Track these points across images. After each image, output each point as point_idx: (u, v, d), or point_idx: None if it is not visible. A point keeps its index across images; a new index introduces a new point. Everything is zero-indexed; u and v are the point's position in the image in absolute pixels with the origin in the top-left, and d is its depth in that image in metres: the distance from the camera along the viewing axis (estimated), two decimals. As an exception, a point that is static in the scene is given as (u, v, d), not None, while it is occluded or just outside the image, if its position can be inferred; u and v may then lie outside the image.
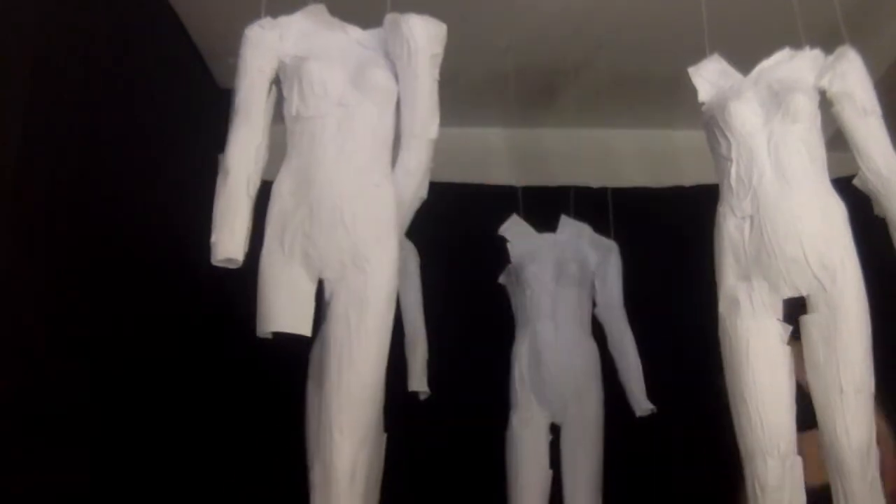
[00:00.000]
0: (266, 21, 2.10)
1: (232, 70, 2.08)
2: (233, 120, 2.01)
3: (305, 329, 1.92)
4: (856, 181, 2.19)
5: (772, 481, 1.98)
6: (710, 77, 2.35)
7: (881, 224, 2.18)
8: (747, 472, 2.04)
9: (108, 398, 2.31)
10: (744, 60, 2.36)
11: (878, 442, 2.00)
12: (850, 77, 2.18)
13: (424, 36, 2.07)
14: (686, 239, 2.68)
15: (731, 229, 2.16)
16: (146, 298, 2.57)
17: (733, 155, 2.18)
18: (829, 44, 2.29)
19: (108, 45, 2.45)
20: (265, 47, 2.06)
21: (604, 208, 3.42)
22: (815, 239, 2.07)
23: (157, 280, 2.65)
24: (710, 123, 2.28)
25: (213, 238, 1.90)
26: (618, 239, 3.22)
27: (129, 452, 2.40)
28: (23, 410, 1.93)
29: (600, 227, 3.23)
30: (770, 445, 1.99)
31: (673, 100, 3.48)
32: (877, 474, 2.01)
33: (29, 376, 1.97)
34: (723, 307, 2.15)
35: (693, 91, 2.37)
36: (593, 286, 3.11)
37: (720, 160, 2.25)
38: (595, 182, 3.64)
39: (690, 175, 3.43)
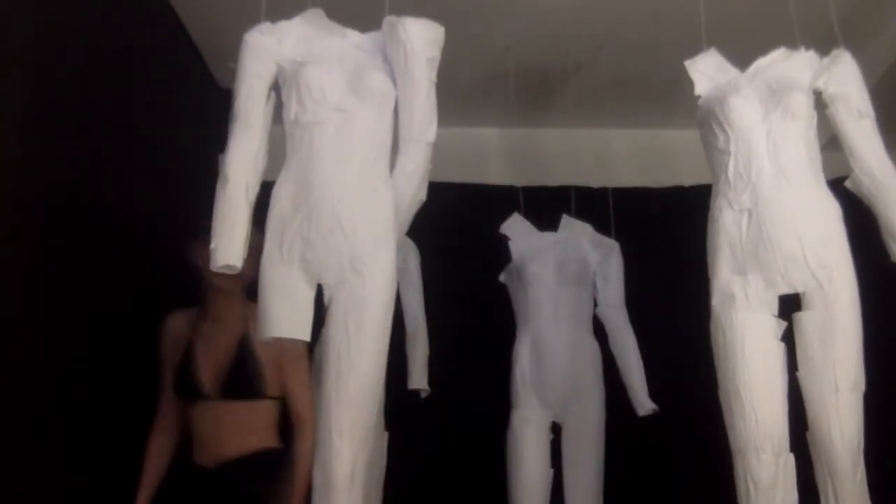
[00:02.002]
0: (265, 26, 2.10)
1: (232, 73, 2.09)
2: (232, 126, 2.01)
3: (304, 334, 1.92)
4: (847, 183, 2.20)
5: (765, 478, 1.98)
6: (706, 71, 2.37)
7: (872, 225, 2.19)
8: (738, 467, 2.03)
9: (109, 398, 2.31)
10: (741, 61, 2.37)
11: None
12: (847, 80, 2.20)
13: (421, 39, 2.07)
14: (686, 239, 2.68)
15: (728, 223, 2.16)
16: (146, 298, 2.57)
17: (731, 149, 2.18)
18: (824, 47, 2.31)
19: (109, 46, 2.45)
20: (264, 53, 2.06)
21: (604, 208, 3.43)
22: (813, 237, 2.08)
23: (158, 280, 2.65)
24: (706, 117, 2.29)
25: (213, 245, 1.90)
26: (618, 239, 3.23)
27: (130, 452, 2.40)
28: (23, 410, 1.93)
29: (600, 227, 3.24)
30: (764, 441, 1.99)
31: (672, 100, 3.49)
32: (864, 473, 2.03)
33: (29, 376, 1.96)
34: (716, 301, 2.15)
35: (692, 91, 2.38)
36: (594, 286, 3.12)
37: (717, 154, 2.25)
38: (595, 182, 3.64)
39: (690, 175, 3.43)
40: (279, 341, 1.96)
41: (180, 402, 2.27)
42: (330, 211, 1.92)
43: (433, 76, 2.10)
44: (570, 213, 3.26)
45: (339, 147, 1.97)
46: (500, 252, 3.15)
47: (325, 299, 1.93)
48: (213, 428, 2.19)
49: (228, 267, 1.90)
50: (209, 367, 2.21)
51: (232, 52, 2.11)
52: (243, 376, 2.16)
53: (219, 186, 1.96)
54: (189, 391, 2.21)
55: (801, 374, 2.06)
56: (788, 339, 2.10)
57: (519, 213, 3.25)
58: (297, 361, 2.23)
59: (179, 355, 2.25)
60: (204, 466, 2.20)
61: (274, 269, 1.92)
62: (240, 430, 2.16)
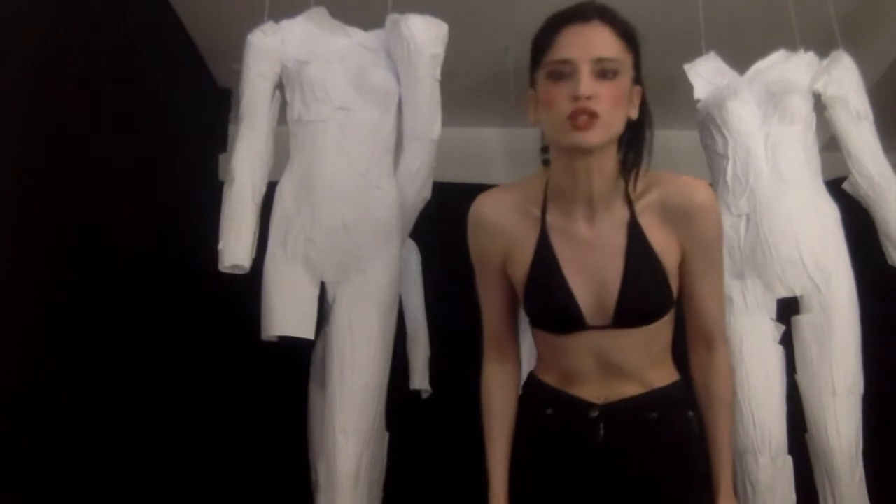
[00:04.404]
0: (268, 26, 2.11)
1: (233, 74, 2.09)
2: (238, 127, 2.03)
3: (308, 332, 1.93)
4: (846, 185, 2.21)
5: (763, 480, 1.99)
6: (706, 75, 2.37)
7: (871, 228, 2.20)
8: (737, 470, 2.03)
9: (109, 399, 2.31)
10: (739, 63, 2.38)
11: None
12: (845, 82, 2.21)
13: (425, 36, 2.08)
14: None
15: (727, 227, 2.17)
16: (147, 299, 2.57)
17: (730, 153, 2.20)
18: (823, 47, 2.31)
19: (109, 45, 2.44)
20: (268, 53, 2.07)
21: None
22: (811, 240, 2.09)
23: (158, 280, 2.65)
24: (705, 121, 2.30)
25: (221, 245, 1.91)
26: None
27: (130, 453, 2.40)
28: (23, 410, 1.93)
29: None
30: (762, 444, 2.01)
31: (670, 100, 3.46)
32: (862, 475, 2.03)
33: (29, 376, 1.96)
34: None
35: (689, 92, 2.38)
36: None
37: (715, 158, 2.26)
38: (595, 182, 3.63)
39: (688, 175, 3.42)
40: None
41: (536, 329, 1.49)
42: (333, 209, 1.93)
43: (437, 73, 2.11)
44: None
45: (343, 145, 1.98)
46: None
47: (329, 297, 1.94)
48: (600, 365, 1.40)
49: (236, 267, 1.91)
50: (589, 283, 1.38)
51: (233, 53, 2.11)
52: (644, 292, 1.36)
53: (225, 188, 1.98)
54: (561, 322, 1.41)
55: (800, 376, 2.08)
56: (787, 342, 2.11)
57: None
58: (713, 252, 1.41)
59: (526, 264, 1.42)
60: (578, 397, 1.43)
61: (277, 266, 1.93)
62: (640, 363, 1.40)
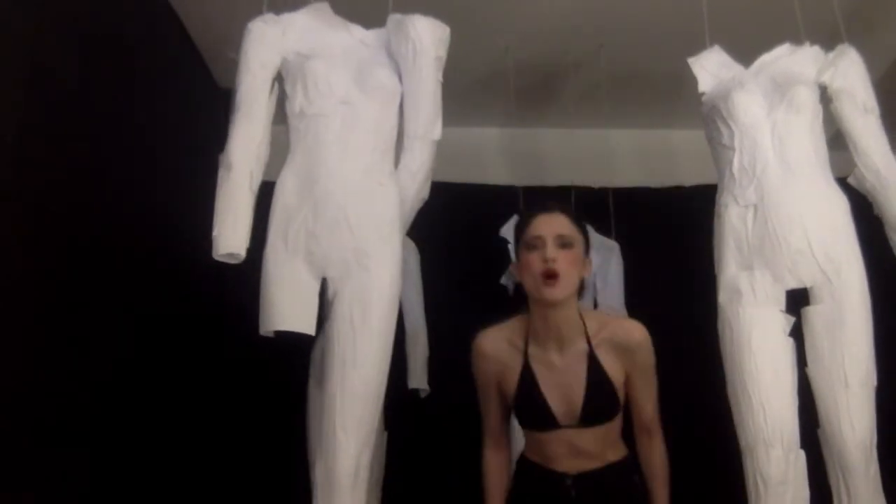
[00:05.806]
0: (269, 16, 2.09)
1: (232, 65, 2.07)
2: (234, 115, 2.00)
3: (309, 328, 1.91)
4: (851, 179, 2.20)
5: (775, 474, 1.95)
6: (710, 68, 2.36)
7: (879, 221, 2.19)
8: (748, 464, 2.00)
9: (109, 397, 2.31)
10: (743, 58, 2.37)
11: None
12: (852, 75, 2.19)
13: (430, 38, 2.08)
14: (686, 239, 2.68)
15: (734, 219, 2.15)
16: (146, 298, 2.57)
17: (736, 144, 2.18)
18: (827, 42, 2.31)
19: (108, 45, 2.44)
20: (268, 42, 2.05)
21: (604, 208, 3.43)
22: (821, 230, 2.06)
23: (158, 279, 2.65)
24: (710, 114, 2.28)
25: (215, 232, 1.88)
26: (618, 239, 3.22)
27: (130, 452, 2.40)
28: (23, 410, 1.93)
29: (601, 227, 3.23)
30: (773, 437, 1.96)
31: (673, 99, 3.49)
32: (877, 469, 2.01)
33: (29, 376, 1.96)
34: (723, 297, 2.13)
35: (693, 91, 2.38)
36: (594, 287, 3.11)
37: (722, 150, 2.25)
38: (595, 182, 3.63)
39: (690, 175, 3.43)
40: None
41: (524, 428, 2.03)
42: (336, 204, 1.92)
43: (440, 75, 2.11)
44: (570, 214, 3.26)
45: (345, 140, 1.97)
46: (500, 252, 3.14)
47: (329, 294, 1.92)
48: (571, 450, 1.93)
49: (231, 255, 1.89)
50: (561, 397, 1.90)
51: (232, 49, 2.10)
52: (601, 402, 1.91)
53: (221, 174, 1.94)
54: (541, 423, 1.94)
55: (811, 369, 2.04)
56: (798, 335, 2.08)
57: (519, 213, 3.24)
58: (649, 372, 1.97)
59: (514, 384, 1.94)
60: (555, 470, 1.96)
61: (278, 261, 1.91)
62: (599, 448, 1.94)
